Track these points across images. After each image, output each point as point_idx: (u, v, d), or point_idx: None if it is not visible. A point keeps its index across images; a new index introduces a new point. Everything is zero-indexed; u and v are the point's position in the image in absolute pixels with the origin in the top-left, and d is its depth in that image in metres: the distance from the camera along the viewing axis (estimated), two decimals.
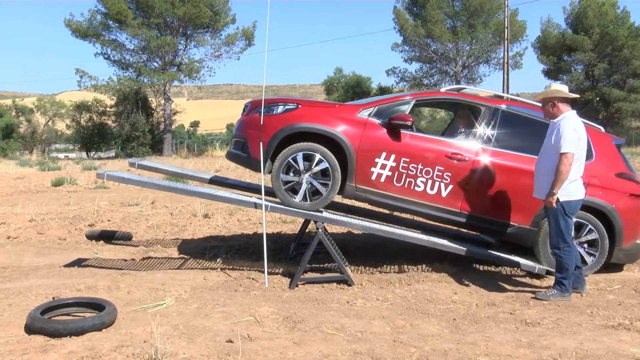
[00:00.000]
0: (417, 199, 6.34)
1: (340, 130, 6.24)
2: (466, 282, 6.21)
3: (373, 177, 6.31)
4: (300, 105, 6.43)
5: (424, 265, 6.86)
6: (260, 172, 6.28)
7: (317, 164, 6.19)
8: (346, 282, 6.08)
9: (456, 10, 43.81)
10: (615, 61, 40.20)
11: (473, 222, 6.50)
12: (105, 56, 43.37)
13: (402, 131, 6.32)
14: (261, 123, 6.19)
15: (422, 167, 6.28)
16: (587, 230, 6.34)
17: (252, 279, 6.26)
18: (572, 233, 5.74)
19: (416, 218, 7.63)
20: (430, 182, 6.31)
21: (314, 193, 6.27)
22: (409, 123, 6.22)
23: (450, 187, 6.33)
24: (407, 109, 6.45)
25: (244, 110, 6.78)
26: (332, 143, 6.25)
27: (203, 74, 44.22)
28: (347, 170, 6.27)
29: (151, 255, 7.60)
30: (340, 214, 7.12)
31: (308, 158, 6.21)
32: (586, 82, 41.80)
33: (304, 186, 6.22)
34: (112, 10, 40.17)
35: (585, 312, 5.09)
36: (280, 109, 6.41)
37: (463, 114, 7.09)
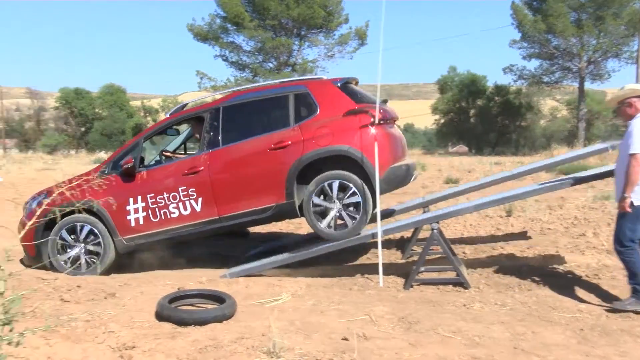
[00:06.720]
0: (178, 224, 6.47)
1: (85, 200, 6.25)
2: (594, 290, 5.76)
3: (132, 224, 6.54)
4: (47, 193, 6.82)
5: (545, 269, 6.47)
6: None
7: (83, 235, 6.56)
8: (462, 284, 5.92)
9: (581, 2, 41.17)
10: None
11: (236, 221, 6.46)
12: (224, 58, 45.37)
13: (137, 172, 6.56)
14: (376, 120, 6.16)
15: (167, 195, 6.46)
16: (346, 189, 6.10)
17: (367, 277, 6.25)
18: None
19: None
20: (181, 204, 6.45)
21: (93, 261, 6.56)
22: (130, 165, 6.48)
23: (200, 200, 6.41)
24: (137, 152, 6.67)
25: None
26: (91, 213, 6.53)
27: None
28: (110, 229, 6.55)
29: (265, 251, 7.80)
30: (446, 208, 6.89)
31: (73, 231, 6.57)
32: None
33: (82, 257, 6.55)
34: (230, 13, 41.95)
35: None
36: (34, 203, 6.84)
37: (194, 128, 7.18)
